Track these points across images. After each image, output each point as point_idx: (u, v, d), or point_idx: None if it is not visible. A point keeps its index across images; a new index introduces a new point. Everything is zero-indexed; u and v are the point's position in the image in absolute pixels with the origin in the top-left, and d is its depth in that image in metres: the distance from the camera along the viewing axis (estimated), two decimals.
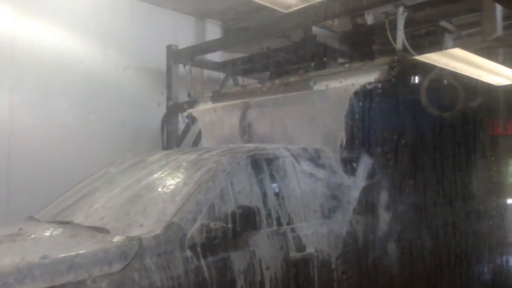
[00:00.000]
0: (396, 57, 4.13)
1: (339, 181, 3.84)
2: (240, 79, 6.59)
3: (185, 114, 5.86)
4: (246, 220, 2.91)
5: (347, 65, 4.73)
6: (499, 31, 4.28)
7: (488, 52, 4.11)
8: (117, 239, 2.69)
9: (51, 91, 5.45)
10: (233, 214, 2.88)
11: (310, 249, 3.40)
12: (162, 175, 3.46)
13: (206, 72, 7.17)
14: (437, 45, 4.48)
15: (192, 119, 5.65)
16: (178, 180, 3.34)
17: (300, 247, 3.35)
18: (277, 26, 5.26)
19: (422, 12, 4.55)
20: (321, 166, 3.83)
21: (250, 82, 6.26)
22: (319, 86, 4.35)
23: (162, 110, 6.22)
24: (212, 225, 2.85)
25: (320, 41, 5.27)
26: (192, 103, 5.77)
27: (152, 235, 2.72)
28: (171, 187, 3.27)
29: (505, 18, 4.33)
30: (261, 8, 2.98)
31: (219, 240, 2.86)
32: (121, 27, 6.17)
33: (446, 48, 4.20)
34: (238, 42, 6.26)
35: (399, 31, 4.29)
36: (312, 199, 3.62)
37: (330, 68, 4.75)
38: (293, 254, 3.28)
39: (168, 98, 6.19)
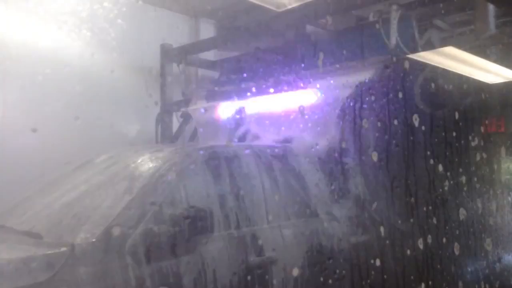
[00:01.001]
0: (390, 56, 4.15)
1: (308, 181, 3.65)
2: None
3: (180, 113, 5.85)
4: (196, 223, 2.71)
5: (340, 64, 4.74)
6: (492, 29, 4.30)
7: (481, 50, 4.13)
8: (45, 245, 2.45)
9: (43, 91, 5.42)
10: (181, 217, 2.66)
11: (271, 253, 3.16)
12: (108, 176, 3.23)
13: (200, 71, 7.16)
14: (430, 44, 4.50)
15: (187, 118, 5.65)
16: (124, 181, 3.08)
17: (261, 251, 3.11)
18: (271, 25, 5.26)
19: (415, 11, 4.57)
20: (289, 164, 3.64)
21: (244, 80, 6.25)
22: (313, 84, 4.36)
23: (156, 109, 6.20)
24: (156, 229, 2.60)
25: (314, 40, 5.27)
26: (187, 102, 5.76)
27: (87, 241, 2.46)
28: (116, 189, 3.00)
29: (498, 16, 4.35)
30: (255, 7, 2.96)
31: (165, 246, 2.63)
32: (114, 26, 6.14)
33: (439, 47, 4.22)
34: (232, 41, 6.26)
35: (392, 30, 4.30)
36: (276, 200, 3.41)
37: (324, 67, 4.75)
38: (253, 259, 3.05)
39: (162, 97, 6.17)
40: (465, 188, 4.69)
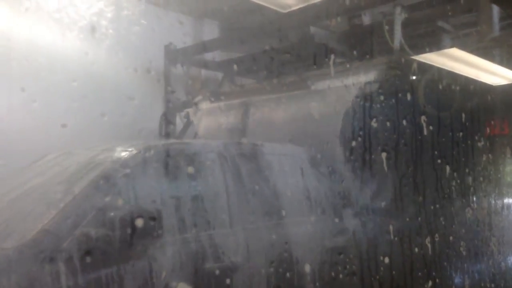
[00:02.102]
0: (394, 57, 4.16)
1: (279, 181, 3.42)
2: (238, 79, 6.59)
3: (183, 113, 5.87)
4: (142, 226, 2.46)
5: (346, 65, 4.75)
6: (496, 32, 4.31)
7: (485, 52, 4.13)
8: None
9: (51, 91, 5.44)
10: (123, 220, 2.42)
11: (231, 259, 2.93)
12: (50, 176, 3.03)
13: (204, 72, 7.17)
14: (434, 45, 4.50)
15: (190, 118, 5.67)
16: (65, 182, 2.85)
17: (219, 257, 2.89)
18: (275, 26, 5.27)
19: (420, 12, 4.57)
20: (258, 163, 3.44)
21: (248, 81, 6.27)
22: (317, 86, 4.38)
23: (161, 109, 6.22)
24: (93, 233, 2.37)
25: (318, 41, 5.27)
26: (190, 102, 5.78)
27: (13, 247, 2.23)
28: (56, 190, 2.78)
29: (502, 18, 4.35)
30: (260, 7, 2.97)
31: (104, 252, 2.39)
32: (119, 27, 6.16)
33: (443, 48, 4.23)
34: (236, 42, 6.28)
35: (396, 31, 4.31)
36: (241, 202, 3.19)
37: (328, 68, 4.76)
38: (210, 265, 2.83)
39: (166, 98, 6.19)
40: (470, 189, 4.69)
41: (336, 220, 3.56)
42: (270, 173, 3.45)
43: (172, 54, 6.19)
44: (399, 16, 4.31)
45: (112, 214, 2.48)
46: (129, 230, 2.43)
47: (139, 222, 2.46)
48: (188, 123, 5.90)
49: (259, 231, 3.18)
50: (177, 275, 2.66)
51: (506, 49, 4.31)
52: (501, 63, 4.13)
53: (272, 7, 2.90)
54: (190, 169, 3.03)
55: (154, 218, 2.54)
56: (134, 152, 2.91)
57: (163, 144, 3.13)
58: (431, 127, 4.11)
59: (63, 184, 2.80)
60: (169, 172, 2.97)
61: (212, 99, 5.36)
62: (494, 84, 4.50)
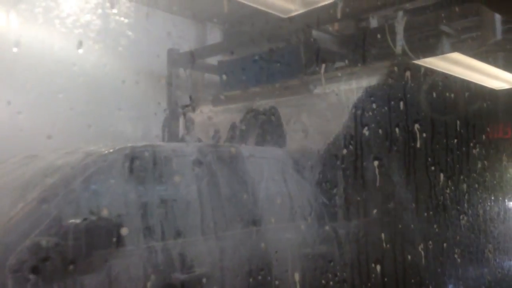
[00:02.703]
0: (396, 61, 4.16)
1: (258, 185, 3.26)
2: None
3: (186, 117, 5.88)
4: (101, 235, 2.33)
5: (347, 69, 4.76)
6: (498, 36, 4.31)
7: (487, 56, 4.14)
8: None
9: (50, 95, 5.45)
10: (81, 227, 2.26)
11: (201, 269, 2.76)
12: (8, 180, 2.87)
13: (207, 76, 7.19)
14: (436, 49, 4.51)
15: (193, 123, 5.67)
16: (19, 188, 2.68)
17: (188, 267, 2.72)
18: (277, 30, 5.28)
19: (422, 16, 4.58)
20: (236, 166, 3.28)
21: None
22: (319, 89, 4.39)
23: (163, 114, 6.23)
24: (44, 243, 2.19)
25: (321, 45, 5.28)
26: (193, 106, 5.79)
27: None
28: (9, 196, 2.62)
29: (504, 22, 4.36)
30: (262, 12, 2.98)
31: (59, 262, 2.22)
32: (121, 30, 6.18)
33: (445, 53, 4.23)
34: (238, 46, 6.29)
35: (398, 35, 4.31)
36: (215, 207, 3.02)
37: (330, 72, 4.77)
38: (177, 276, 2.67)
39: (169, 102, 6.20)
40: (466, 194, 4.68)
41: (320, 226, 3.41)
42: (248, 177, 3.29)
43: (175, 58, 6.22)
44: (401, 20, 4.32)
45: (68, 222, 2.30)
46: (86, 240, 2.26)
47: (98, 231, 2.31)
48: (190, 128, 5.90)
49: (234, 239, 3.02)
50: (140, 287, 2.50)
51: (509, 53, 4.31)
52: (503, 67, 4.13)
53: (273, 12, 2.91)
54: (159, 174, 2.88)
55: (115, 226, 2.39)
56: (97, 155, 2.75)
57: (130, 147, 2.88)
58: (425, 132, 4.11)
59: (18, 190, 2.62)
60: (135, 177, 2.78)
61: (215, 103, 5.37)
62: (496, 88, 4.49)
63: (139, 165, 2.79)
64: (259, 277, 2.96)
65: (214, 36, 7.58)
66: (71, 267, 2.25)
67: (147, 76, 6.16)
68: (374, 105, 3.90)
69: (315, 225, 3.47)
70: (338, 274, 3.35)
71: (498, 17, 4.27)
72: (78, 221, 2.30)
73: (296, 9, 2.87)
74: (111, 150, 2.81)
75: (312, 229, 3.45)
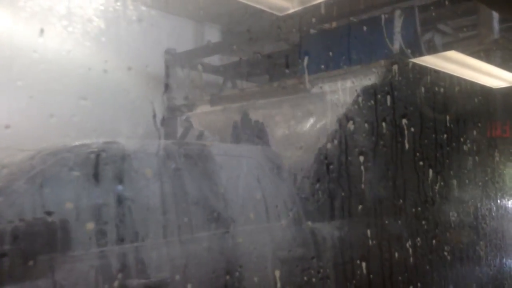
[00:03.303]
0: (393, 60, 4.15)
1: (229, 185, 3.10)
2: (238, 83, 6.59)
3: (184, 117, 5.87)
4: (45, 239, 2.15)
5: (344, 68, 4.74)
6: (496, 34, 4.29)
7: (485, 54, 4.12)
8: None
9: (49, 94, 5.43)
10: (21, 231, 2.08)
11: (159, 275, 2.59)
12: None
13: (205, 76, 7.17)
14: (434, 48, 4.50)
15: (190, 123, 5.67)
16: None
17: (144, 273, 2.55)
18: (275, 29, 5.27)
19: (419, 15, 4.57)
20: (205, 165, 3.09)
21: (248, 85, 6.27)
22: (317, 88, 4.37)
23: (161, 114, 6.21)
24: None
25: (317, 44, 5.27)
26: (191, 106, 5.78)
27: None
28: None
29: (502, 21, 4.34)
30: (260, 11, 2.96)
31: None
32: (119, 30, 6.17)
33: (443, 51, 4.22)
34: (236, 46, 6.28)
35: (396, 34, 4.30)
36: (179, 209, 2.84)
37: (327, 71, 4.76)
38: (132, 283, 2.49)
39: (167, 102, 6.19)
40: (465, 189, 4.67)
41: (295, 228, 3.24)
42: (218, 176, 3.12)
43: (172, 58, 6.20)
44: (399, 18, 4.32)
45: (9, 225, 2.11)
46: (28, 244, 2.09)
47: (39, 234, 2.14)
48: (188, 127, 5.89)
49: (199, 242, 2.82)
50: None
51: (506, 52, 4.29)
52: (501, 65, 4.11)
53: (268, 10, 2.89)
54: (117, 173, 2.68)
55: (61, 229, 2.21)
56: (45, 153, 2.54)
57: (85, 144, 2.67)
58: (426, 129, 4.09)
59: None
60: (89, 176, 2.55)
61: (213, 103, 5.36)
62: (494, 87, 4.47)
63: (94, 163, 2.58)
64: (226, 284, 2.81)
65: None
66: (12, 273, 2.08)
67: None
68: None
69: (292, 226, 3.31)
70: (315, 279, 3.19)
71: (496, 15, 4.25)
72: (22, 224, 2.12)
73: (291, 7, 2.85)
74: (62, 147, 2.61)
75: (288, 230, 3.29)
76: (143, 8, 6.45)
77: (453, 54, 3.74)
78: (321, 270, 3.30)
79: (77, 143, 2.68)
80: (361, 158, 3.59)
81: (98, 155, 2.61)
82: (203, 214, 2.95)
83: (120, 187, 2.69)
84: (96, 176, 2.58)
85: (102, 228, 2.49)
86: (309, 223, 3.42)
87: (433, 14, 4.61)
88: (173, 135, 6.15)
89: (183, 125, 5.98)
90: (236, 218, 3.04)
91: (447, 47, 4.56)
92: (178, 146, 3.10)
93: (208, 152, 3.19)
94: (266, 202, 3.22)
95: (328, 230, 3.53)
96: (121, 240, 2.53)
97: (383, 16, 4.42)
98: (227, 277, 2.82)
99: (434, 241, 3.96)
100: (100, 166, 2.59)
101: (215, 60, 6.89)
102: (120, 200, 2.61)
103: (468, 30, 4.81)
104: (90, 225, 2.44)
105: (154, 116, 5.04)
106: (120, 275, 2.43)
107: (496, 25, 4.32)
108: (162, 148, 2.97)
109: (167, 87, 6.20)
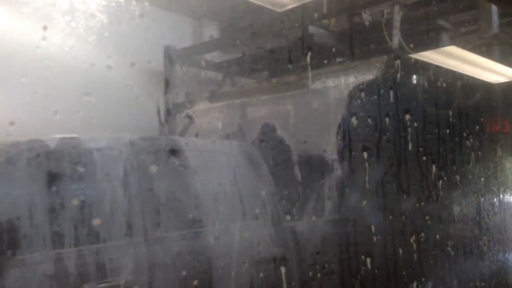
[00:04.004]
0: (393, 56, 4.14)
1: (201, 182, 2.93)
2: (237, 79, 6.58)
3: (183, 114, 5.87)
4: None
5: (344, 64, 4.74)
6: (495, 29, 4.28)
7: (484, 49, 4.11)
8: None
9: (47, 91, 5.42)
10: None
11: (123, 277, 2.45)
12: None
13: (204, 72, 7.16)
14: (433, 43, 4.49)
15: (190, 120, 5.67)
16: None
17: (104, 276, 2.40)
18: (274, 25, 5.26)
19: (419, 10, 4.56)
20: (176, 161, 2.97)
21: (247, 82, 6.27)
22: (317, 85, 4.37)
23: (162, 110, 6.21)
24: None
25: (317, 41, 5.26)
26: (190, 103, 5.78)
27: None
28: None
29: (501, 16, 4.33)
30: (259, 8, 2.95)
31: None
32: (118, 28, 6.15)
33: (442, 46, 4.21)
34: (235, 42, 6.26)
35: (395, 30, 4.29)
36: (145, 207, 2.68)
37: (327, 67, 4.75)
38: (91, 286, 2.36)
39: (166, 99, 6.18)
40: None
41: (274, 227, 3.06)
42: (189, 173, 2.97)
43: (171, 55, 6.19)
44: (398, 14, 4.30)
45: None
46: None
47: None
48: (189, 123, 5.89)
49: (164, 243, 2.67)
50: None
51: (506, 47, 4.28)
52: (501, 60, 4.11)
53: (267, 6, 2.89)
54: (74, 171, 2.52)
55: (7, 231, 2.09)
56: None
57: (38, 140, 2.53)
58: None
59: None
60: (43, 173, 2.43)
61: (212, 100, 5.36)
62: (493, 82, 4.47)
63: (49, 159, 2.45)
64: (195, 283, 2.66)
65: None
66: None
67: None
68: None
69: (269, 225, 3.13)
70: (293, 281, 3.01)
71: (495, 9, 4.24)
72: None
73: (290, 3, 2.85)
74: (15, 143, 2.46)
75: (264, 230, 3.10)
76: (146, 3, 6.43)
77: (453, 49, 3.74)
78: (301, 272, 3.14)
79: (27, 139, 2.53)
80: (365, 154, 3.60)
81: (53, 152, 2.48)
82: (171, 214, 2.80)
83: (80, 185, 2.57)
84: (48, 174, 2.45)
85: (55, 229, 2.36)
86: (290, 221, 3.24)
87: (435, 8, 4.60)
88: (173, 131, 6.15)
89: (183, 121, 5.98)
90: (208, 217, 2.90)
91: (447, 42, 4.55)
92: (145, 142, 2.91)
93: (179, 148, 3.02)
94: (243, 200, 3.05)
95: (313, 228, 3.40)
96: (77, 242, 2.38)
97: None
98: (195, 281, 2.68)
99: None
100: (51, 163, 2.46)
101: (214, 56, 6.87)
102: (80, 199, 2.49)
103: (468, 25, 4.80)
104: (42, 227, 2.30)
105: (159, 112, 4.99)
106: (75, 280, 2.30)
107: (496, 19, 4.31)
108: (128, 144, 2.78)
109: (167, 84, 6.20)
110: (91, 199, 2.55)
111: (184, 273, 2.64)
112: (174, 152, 2.98)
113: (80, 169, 2.57)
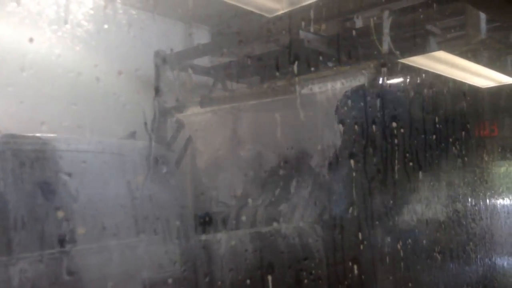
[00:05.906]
0: (382, 61, 4.17)
1: (81, 189, 2.44)
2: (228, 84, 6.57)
3: (174, 119, 5.86)
4: None
5: (334, 69, 4.76)
6: (483, 34, 4.33)
7: (472, 54, 4.16)
8: None
9: (39, 97, 5.38)
10: None
11: None
12: None
13: (195, 77, 7.15)
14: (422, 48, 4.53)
15: (180, 125, 5.66)
16: None
17: None
18: (264, 30, 5.27)
19: (408, 16, 4.60)
20: (45, 165, 2.48)
21: (238, 86, 6.27)
22: (306, 90, 4.39)
23: (150, 116, 6.18)
24: None
25: (307, 45, 5.28)
26: (181, 108, 5.77)
27: None
28: None
29: (488, 21, 4.38)
30: (250, 13, 2.95)
31: None
32: (108, 32, 6.12)
33: (431, 51, 4.25)
34: (226, 47, 6.27)
35: (384, 35, 4.33)
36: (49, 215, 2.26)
37: (317, 72, 4.77)
38: None
39: (156, 104, 6.16)
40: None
41: (175, 242, 2.56)
42: (60, 178, 2.47)
43: (162, 60, 6.17)
44: (387, 19, 4.34)
45: None
46: None
47: None
48: (179, 129, 5.88)
49: (20, 266, 2.16)
50: None
51: (494, 51, 4.33)
52: (488, 65, 4.15)
53: (257, 11, 2.90)
54: None
55: None
56: None
57: None
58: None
59: None
60: None
61: (203, 105, 5.35)
62: (482, 86, 4.51)
63: None
64: None
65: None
66: None
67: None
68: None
69: (172, 241, 2.61)
70: None
71: (483, 15, 4.29)
72: None
73: (280, 9, 2.86)
74: None
75: (164, 246, 2.58)
76: (133, 11, 6.42)
77: (441, 54, 3.77)
78: None
79: None
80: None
81: None
82: (29, 229, 2.24)
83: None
84: None
85: None
86: (203, 236, 2.68)
87: (421, 15, 4.65)
88: (163, 138, 6.13)
89: (174, 126, 5.96)
90: (81, 233, 2.37)
91: (435, 47, 4.59)
92: (3, 141, 2.42)
93: (49, 148, 2.56)
94: (136, 211, 2.55)
95: (236, 242, 2.84)
96: None
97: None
98: None
99: None
100: None
101: (205, 61, 6.87)
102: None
103: (456, 31, 4.85)
104: None
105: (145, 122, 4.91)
106: None
107: (483, 25, 4.36)
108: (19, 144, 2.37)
109: (157, 89, 6.18)
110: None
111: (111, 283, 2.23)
112: (40, 152, 2.49)
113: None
